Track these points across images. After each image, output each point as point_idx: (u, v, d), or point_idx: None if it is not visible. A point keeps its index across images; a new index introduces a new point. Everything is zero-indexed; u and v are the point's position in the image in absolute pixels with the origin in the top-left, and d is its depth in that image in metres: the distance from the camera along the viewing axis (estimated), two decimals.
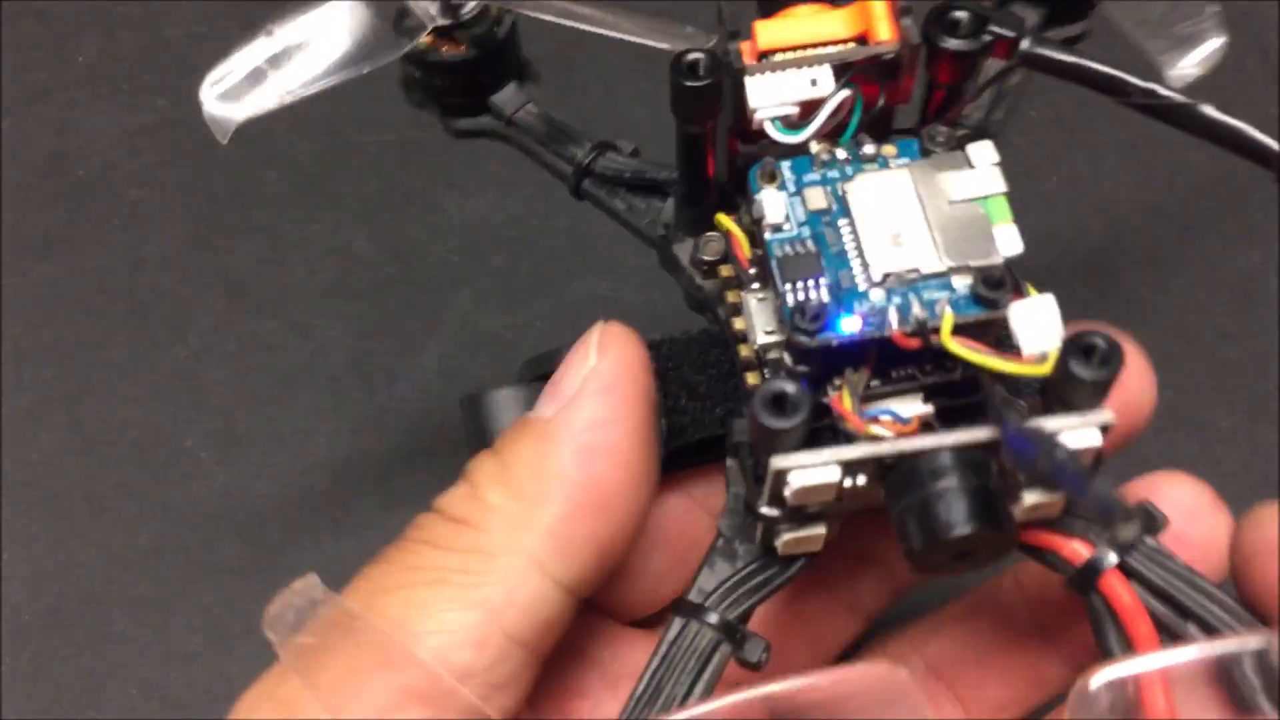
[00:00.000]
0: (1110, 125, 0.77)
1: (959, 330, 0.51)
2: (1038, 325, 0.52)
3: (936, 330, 0.51)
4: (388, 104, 0.63)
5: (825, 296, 0.52)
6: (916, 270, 0.52)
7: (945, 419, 0.53)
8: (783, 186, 0.54)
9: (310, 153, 0.81)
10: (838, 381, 0.52)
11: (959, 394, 0.52)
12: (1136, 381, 0.58)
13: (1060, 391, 0.50)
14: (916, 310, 0.51)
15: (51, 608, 0.69)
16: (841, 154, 0.55)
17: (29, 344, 0.75)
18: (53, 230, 0.79)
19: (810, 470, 0.49)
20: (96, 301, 0.77)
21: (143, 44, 0.82)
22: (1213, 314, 0.74)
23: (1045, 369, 0.50)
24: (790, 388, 0.48)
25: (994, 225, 0.53)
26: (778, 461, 0.49)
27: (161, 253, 0.78)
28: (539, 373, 0.62)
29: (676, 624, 0.51)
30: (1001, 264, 0.52)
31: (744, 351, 0.55)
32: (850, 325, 0.51)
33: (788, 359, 0.52)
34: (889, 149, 0.55)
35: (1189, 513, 0.54)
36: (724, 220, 0.58)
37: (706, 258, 0.59)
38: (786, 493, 0.49)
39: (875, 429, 0.50)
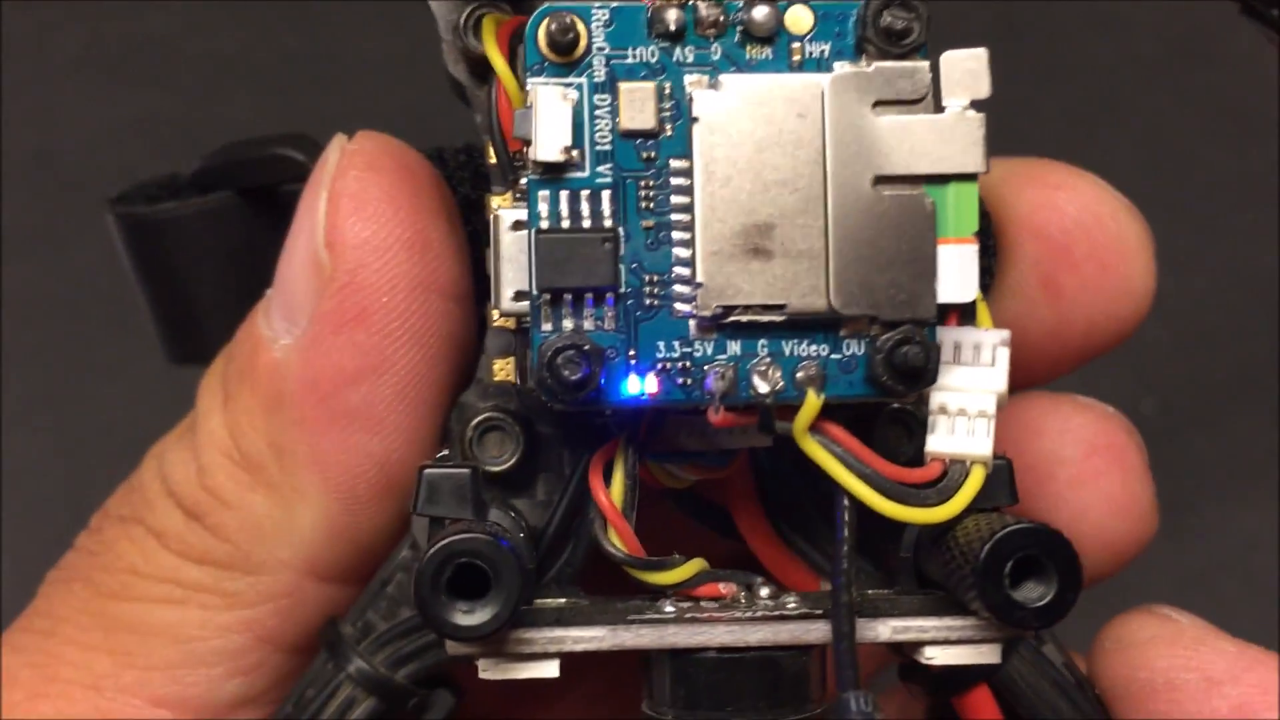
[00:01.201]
0: (1124, 119, 0.73)
1: (826, 410, 0.29)
2: (964, 409, 0.30)
3: (787, 410, 0.29)
4: (381, 97, 0.59)
5: (610, 324, 0.29)
6: (782, 309, 0.29)
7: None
8: (582, 70, 0.29)
9: None
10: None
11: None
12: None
13: (958, 569, 0.29)
14: (759, 380, 0.29)
15: None
16: (710, 11, 0.29)
17: (13, 346, 0.73)
18: (36, 228, 0.77)
19: (512, 665, 0.29)
20: (81, 302, 0.75)
21: (127, 36, 0.78)
22: (1228, 313, 0.71)
23: (945, 514, 0.29)
24: (482, 550, 0.27)
25: (939, 242, 0.29)
26: (457, 648, 0.29)
27: None
28: (241, 181, 0.39)
29: (320, 659, 0.34)
30: (932, 322, 0.29)
31: (495, 317, 0.33)
32: (641, 387, 0.29)
33: (538, 381, 0.30)
34: (800, 16, 0.29)
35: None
36: (491, 46, 0.32)
37: (473, 46, 0.34)
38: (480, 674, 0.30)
39: (652, 576, 0.30)
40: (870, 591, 0.32)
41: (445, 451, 0.32)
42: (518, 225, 0.31)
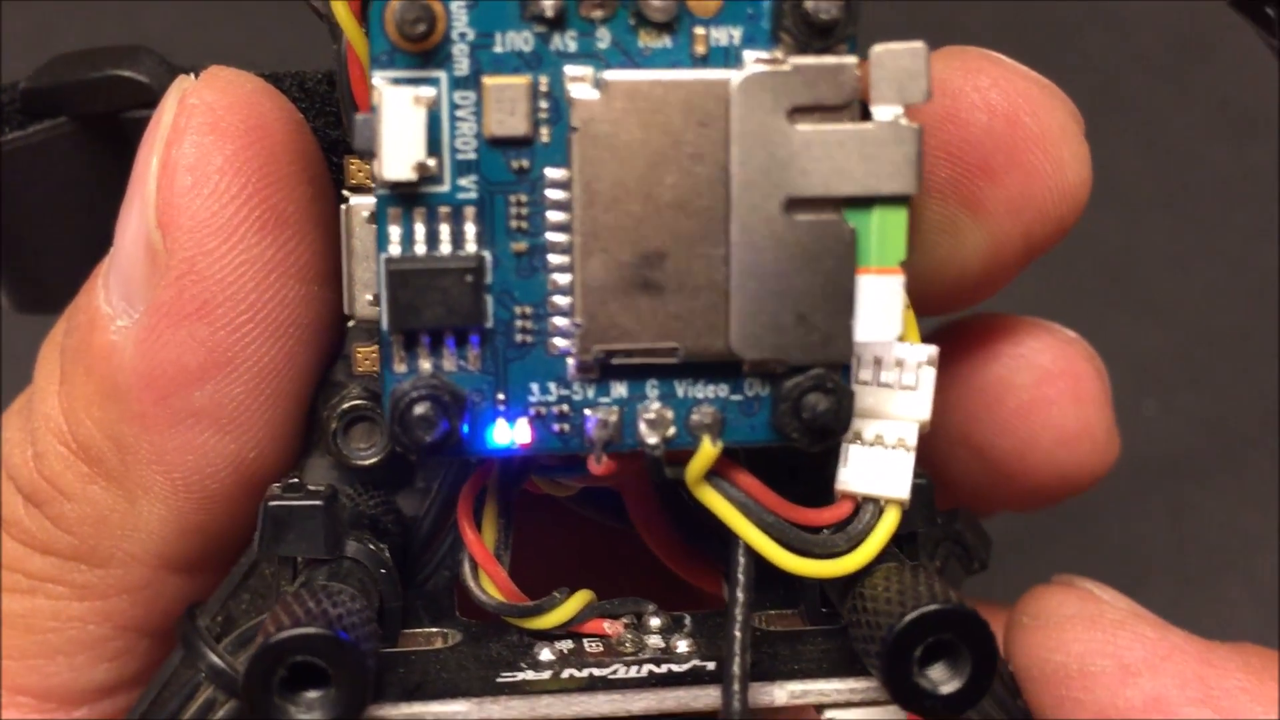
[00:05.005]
0: (1124, 118, 0.69)
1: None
2: (882, 437, 0.27)
3: (678, 460, 0.26)
4: None
5: (474, 365, 0.25)
6: (674, 352, 0.25)
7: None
8: (441, 61, 0.24)
9: None
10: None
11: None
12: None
13: (864, 634, 0.27)
14: (647, 429, 0.25)
15: None
16: None
17: (13, 346, 0.68)
18: None
19: None
20: None
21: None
22: (1228, 313, 0.67)
23: (852, 566, 0.27)
24: (319, 646, 0.24)
25: (859, 272, 0.25)
26: None
27: None
28: (76, 106, 0.34)
29: (176, 656, 0.31)
30: (846, 365, 0.25)
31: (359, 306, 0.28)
32: (511, 435, 0.25)
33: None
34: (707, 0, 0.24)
35: None
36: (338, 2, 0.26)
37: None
38: None
39: (531, 623, 0.27)
40: (769, 618, 0.29)
41: (294, 479, 0.28)
42: (374, 218, 0.26)
